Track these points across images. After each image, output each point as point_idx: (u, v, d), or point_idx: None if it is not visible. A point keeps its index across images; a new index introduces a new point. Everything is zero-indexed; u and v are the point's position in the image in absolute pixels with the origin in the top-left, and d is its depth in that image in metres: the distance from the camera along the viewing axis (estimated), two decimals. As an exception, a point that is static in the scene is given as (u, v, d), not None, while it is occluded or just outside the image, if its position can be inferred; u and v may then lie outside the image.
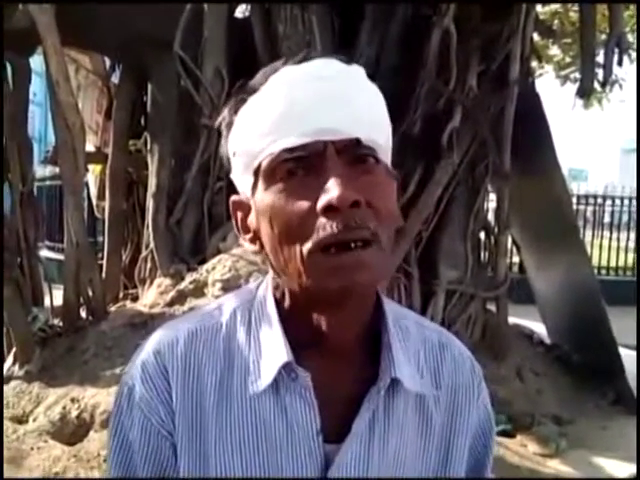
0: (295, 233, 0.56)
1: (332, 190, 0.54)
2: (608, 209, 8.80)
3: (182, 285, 3.27)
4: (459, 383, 0.68)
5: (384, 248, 0.57)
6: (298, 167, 0.56)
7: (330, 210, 0.54)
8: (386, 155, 0.61)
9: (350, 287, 0.55)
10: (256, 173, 0.59)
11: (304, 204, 0.55)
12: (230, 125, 0.62)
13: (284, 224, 0.57)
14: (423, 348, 0.67)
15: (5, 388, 3.01)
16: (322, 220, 0.55)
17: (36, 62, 3.85)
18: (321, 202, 0.54)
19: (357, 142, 0.57)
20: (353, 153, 0.57)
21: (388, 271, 0.65)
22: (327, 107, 0.56)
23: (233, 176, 0.64)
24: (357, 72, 0.60)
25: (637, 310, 3.90)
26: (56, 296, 3.66)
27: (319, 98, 0.56)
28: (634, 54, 4.36)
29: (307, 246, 0.55)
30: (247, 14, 4.05)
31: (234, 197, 0.64)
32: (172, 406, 0.61)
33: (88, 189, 5.18)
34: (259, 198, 0.59)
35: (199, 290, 3.21)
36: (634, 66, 4.74)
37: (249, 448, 0.60)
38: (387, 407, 0.63)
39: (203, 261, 3.41)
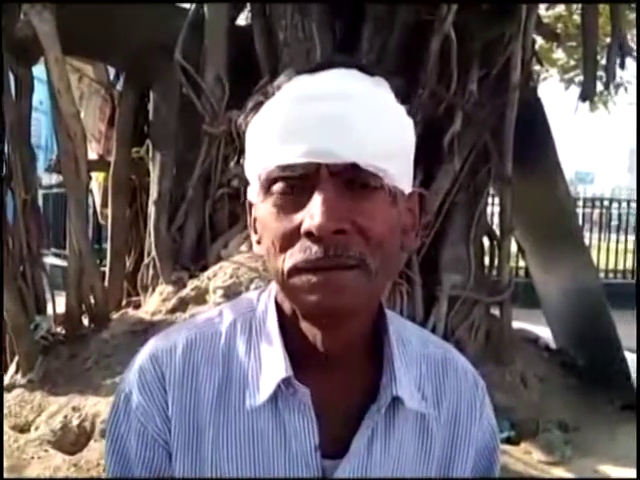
0: (280, 249, 0.56)
1: (315, 217, 0.54)
2: (615, 212, 8.74)
3: (183, 292, 3.28)
4: (461, 400, 0.67)
5: (372, 272, 0.56)
6: (290, 185, 0.56)
7: (311, 235, 0.54)
8: (397, 179, 0.58)
9: (328, 308, 0.55)
10: (259, 181, 0.59)
11: (291, 222, 0.56)
12: (248, 125, 0.63)
13: (272, 238, 0.57)
14: (425, 363, 0.66)
15: (8, 397, 3.02)
16: (303, 243, 0.55)
17: (42, 70, 3.88)
18: (303, 226, 0.54)
19: (354, 166, 0.55)
20: (349, 176, 0.56)
21: (377, 296, 0.62)
22: (326, 128, 0.55)
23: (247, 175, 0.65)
24: (375, 89, 0.59)
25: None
26: (61, 303, 3.67)
27: (320, 118, 0.55)
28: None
29: (288, 264, 0.56)
30: (248, 21, 4.06)
31: (250, 190, 0.64)
32: (168, 414, 0.60)
33: (93, 197, 5.21)
34: (259, 207, 0.60)
35: (200, 297, 3.21)
36: None
37: (245, 461, 0.60)
38: (387, 425, 0.62)
39: (205, 268, 3.42)
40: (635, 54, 4.04)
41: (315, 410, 0.59)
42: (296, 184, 0.56)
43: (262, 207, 0.59)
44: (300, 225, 0.55)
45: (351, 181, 0.56)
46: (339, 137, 0.55)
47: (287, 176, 0.56)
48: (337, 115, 0.55)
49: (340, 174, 0.55)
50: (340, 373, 0.61)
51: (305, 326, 0.60)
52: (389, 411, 0.61)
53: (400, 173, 0.59)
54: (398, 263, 0.64)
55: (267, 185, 0.57)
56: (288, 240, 0.56)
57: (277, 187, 0.57)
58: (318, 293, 0.55)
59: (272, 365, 0.60)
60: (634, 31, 4.31)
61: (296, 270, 0.55)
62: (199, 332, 0.63)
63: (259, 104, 0.61)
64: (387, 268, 0.58)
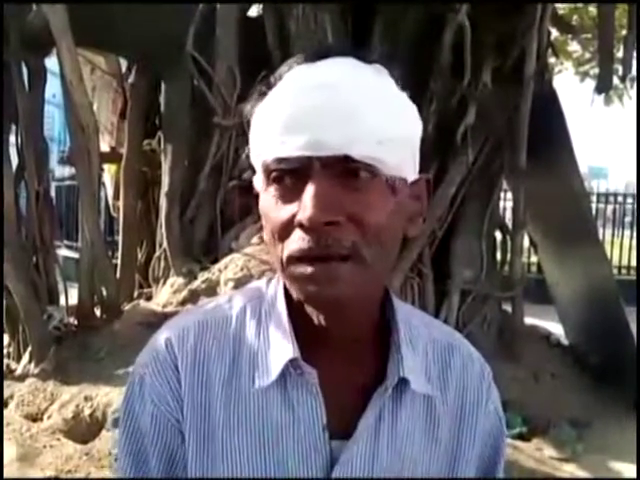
0: (278, 238, 0.58)
1: (306, 209, 0.55)
2: (629, 207, 8.64)
3: (194, 284, 3.28)
4: (467, 385, 0.67)
5: (368, 263, 0.56)
6: (285, 176, 0.57)
7: (304, 226, 0.55)
8: (396, 168, 0.58)
9: (324, 298, 0.57)
10: (262, 170, 0.61)
11: (287, 212, 0.57)
12: (252, 115, 0.63)
13: (271, 228, 0.59)
14: (432, 349, 0.67)
15: (21, 386, 3.05)
16: (298, 234, 0.56)
17: (55, 63, 3.89)
18: (296, 218, 0.56)
19: (348, 157, 0.55)
20: (342, 167, 0.56)
21: (376, 284, 0.63)
22: (319, 120, 0.55)
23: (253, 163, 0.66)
24: (372, 77, 0.58)
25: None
26: (73, 295, 3.70)
27: (314, 110, 0.56)
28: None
29: (285, 253, 0.57)
30: (259, 13, 4.05)
31: (255, 179, 0.65)
32: (181, 395, 0.62)
33: (105, 189, 5.23)
34: (261, 196, 0.61)
35: (211, 289, 3.22)
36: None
37: (255, 441, 0.61)
38: (394, 406, 0.63)
39: (216, 260, 3.42)
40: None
41: (323, 391, 0.60)
42: (292, 176, 0.57)
43: (263, 197, 0.60)
44: (295, 216, 0.56)
45: (345, 172, 0.56)
46: (331, 129, 0.55)
47: (282, 168, 0.57)
48: (330, 106, 0.55)
49: (333, 166, 0.55)
50: (347, 355, 0.62)
51: (310, 310, 0.61)
52: (396, 393, 0.62)
53: (401, 161, 0.58)
54: (397, 250, 0.63)
55: (267, 175, 0.59)
56: (285, 230, 0.57)
57: (274, 178, 0.58)
58: (314, 284, 0.56)
59: (280, 346, 0.61)
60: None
61: (292, 259, 0.57)
62: (210, 317, 0.65)
63: (262, 94, 0.61)
64: (385, 257, 0.59)
